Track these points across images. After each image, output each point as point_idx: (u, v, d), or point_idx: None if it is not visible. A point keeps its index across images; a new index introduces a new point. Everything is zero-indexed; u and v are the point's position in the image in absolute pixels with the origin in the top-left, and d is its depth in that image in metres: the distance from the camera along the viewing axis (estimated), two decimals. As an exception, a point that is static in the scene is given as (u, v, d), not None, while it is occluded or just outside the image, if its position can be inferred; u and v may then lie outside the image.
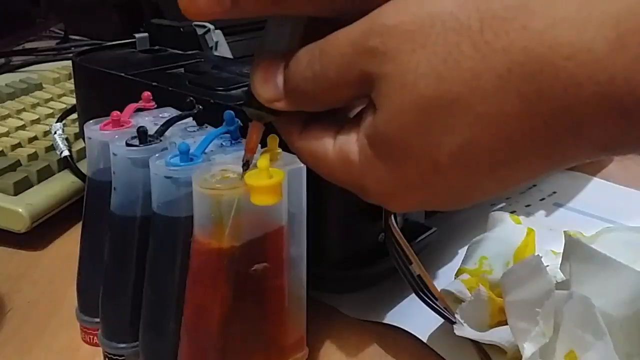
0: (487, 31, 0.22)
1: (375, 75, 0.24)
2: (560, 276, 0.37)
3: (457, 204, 0.27)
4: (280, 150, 0.31)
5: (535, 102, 0.22)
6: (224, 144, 0.34)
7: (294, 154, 0.29)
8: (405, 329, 0.39)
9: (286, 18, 0.27)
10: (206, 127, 0.37)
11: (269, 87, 0.27)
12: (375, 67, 0.24)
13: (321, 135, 0.28)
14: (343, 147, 0.27)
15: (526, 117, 0.23)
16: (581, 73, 0.21)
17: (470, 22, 0.22)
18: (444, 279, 0.43)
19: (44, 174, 0.54)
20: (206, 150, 0.33)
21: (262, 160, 0.29)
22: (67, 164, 0.55)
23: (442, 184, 0.25)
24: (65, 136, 0.57)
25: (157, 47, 0.58)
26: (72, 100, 0.69)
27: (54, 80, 0.75)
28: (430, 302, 0.37)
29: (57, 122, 0.59)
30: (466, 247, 0.42)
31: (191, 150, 0.32)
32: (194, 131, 0.37)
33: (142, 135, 0.34)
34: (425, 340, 0.38)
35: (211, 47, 0.59)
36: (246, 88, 0.29)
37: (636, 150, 0.23)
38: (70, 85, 0.73)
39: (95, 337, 0.39)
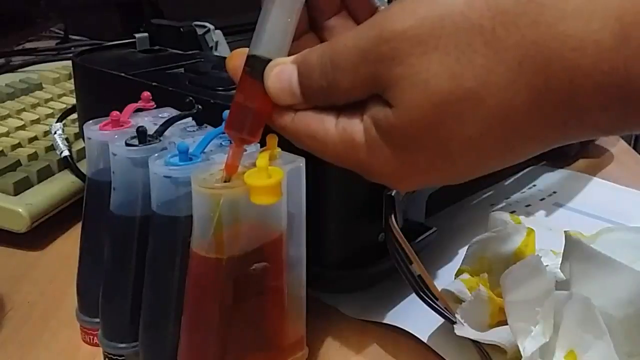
0: (499, 28, 0.23)
1: (386, 77, 0.25)
2: (560, 276, 0.37)
3: (462, 181, 0.28)
4: (279, 149, 0.31)
5: (544, 93, 0.23)
6: (223, 143, 0.34)
7: (292, 152, 0.29)
8: (405, 329, 0.39)
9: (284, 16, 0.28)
10: (206, 127, 0.37)
11: (286, 94, 0.28)
12: (386, 71, 0.25)
13: (320, 116, 0.28)
14: (347, 127, 0.27)
15: (535, 107, 0.23)
16: (587, 64, 0.22)
17: (482, 21, 0.23)
18: (444, 279, 0.43)
19: (44, 174, 0.54)
20: (205, 150, 0.33)
21: (261, 160, 0.29)
22: (67, 164, 0.55)
23: (450, 168, 0.27)
24: (65, 136, 0.57)
25: (157, 47, 0.58)
26: (72, 100, 0.69)
27: (54, 80, 0.75)
28: (431, 302, 0.37)
29: (57, 122, 0.59)
30: (466, 247, 0.42)
31: (190, 150, 0.32)
32: (194, 131, 0.37)
33: (142, 135, 0.34)
34: (425, 340, 0.38)
35: (211, 47, 0.59)
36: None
37: (634, 131, 0.25)
38: (70, 85, 0.73)
39: (95, 337, 0.39)
